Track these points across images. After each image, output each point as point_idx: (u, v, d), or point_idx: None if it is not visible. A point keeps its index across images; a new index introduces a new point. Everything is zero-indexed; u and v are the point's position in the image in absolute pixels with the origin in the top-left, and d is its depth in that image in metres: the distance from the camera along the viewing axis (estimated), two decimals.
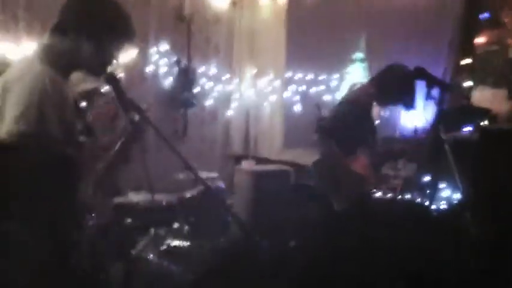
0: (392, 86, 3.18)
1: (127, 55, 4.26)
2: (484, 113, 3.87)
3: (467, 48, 4.37)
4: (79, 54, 1.82)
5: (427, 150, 3.10)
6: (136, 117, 2.00)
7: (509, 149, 3.31)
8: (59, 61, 1.80)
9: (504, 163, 3.23)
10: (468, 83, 4.33)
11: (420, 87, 3.06)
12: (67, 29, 1.80)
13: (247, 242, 2.73)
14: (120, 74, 4.28)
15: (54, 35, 1.83)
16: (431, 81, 2.60)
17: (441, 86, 2.72)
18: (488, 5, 4.36)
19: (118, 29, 1.87)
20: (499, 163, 3.27)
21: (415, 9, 4.49)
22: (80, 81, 2.00)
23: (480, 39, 4.38)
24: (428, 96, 2.71)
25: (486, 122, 3.79)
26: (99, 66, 1.88)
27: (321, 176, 3.47)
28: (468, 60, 4.35)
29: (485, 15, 4.36)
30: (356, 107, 3.31)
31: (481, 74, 4.34)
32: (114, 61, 1.91)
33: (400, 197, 3.62)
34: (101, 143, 2.00)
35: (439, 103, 2.69)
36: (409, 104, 3.19)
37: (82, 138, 1.91)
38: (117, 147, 1.97)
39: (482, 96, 4.24)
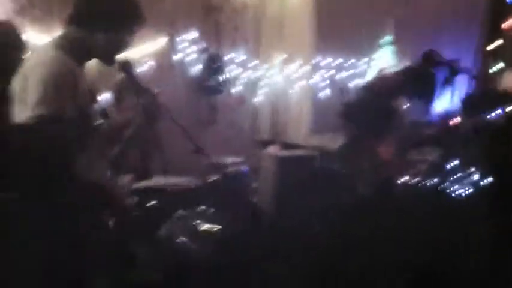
0: (419, 84, 3.16)
1: (156, 43, 4.38)
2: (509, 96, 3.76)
3: (499, 30, 4.24)
4: (91, 43, 1.91)
5: (453, 135, 3.06)
6: (149, 102, 2.07)
7: None
8: (72, 49, 1.88)
9: None
10: (499, 65, 4.21)
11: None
12: (79, 18, 1.89)
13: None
14: (150, 62, 4.42)
15: (68, 24, 1.93)
16: (440, 65, 2.57)
17: (450, 69, 2.68)
18: None
19: (127, 17, 1.94)
20: None
21: None
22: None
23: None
24: (444, 81, 2.68)
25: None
26: (111, 54, 1.97)
27: (346, 160, 3.50)
28: (499, 42, 4.23)
29: None
30: (380, 93, 3.31)
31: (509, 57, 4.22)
32: (126, 47, 1.99)
33: (423, 182, 3.60)
34: (115, 126, 2.08)
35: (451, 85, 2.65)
36: (430, 100, 3.17)
37: (97, 121, 2.01)
38: (130, 131, 2.05)
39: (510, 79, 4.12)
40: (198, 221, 2.96)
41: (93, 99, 2.06)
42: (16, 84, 1.85)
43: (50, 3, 3.62)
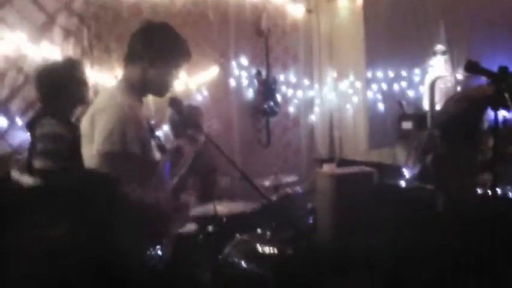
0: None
1: (210, 72, 4.54)
2: None
3: None
4: (146, 80, 2.06)
5: None
6: (199, 136, 2.18)
7: None
8: (132, 88, 2.07)
9: None
10: None
11: None
12: (134, 59, 2.06)
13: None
14: (205, 91, 4.59)
15: (126, 66, 2.10)
16: (483, 75, 2.47)
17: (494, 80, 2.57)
18: None
19: (176, 55, 2.09)
20: None
21: None
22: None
23: None
24: None
25: None
26: (163, 89, 2.12)
27: (437, 174, 3.38)
28: None
29: None
30: (474, 105, 3.22)
31: None
32: (175, 80, 2.13)
33: (491, 192, 3.45)
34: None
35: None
36: None
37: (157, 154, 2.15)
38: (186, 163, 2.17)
39: None
40: (257, 244, 2.98)
41: (152, 133, 2.21)
42: (85, 121, 2.07)
43: (107, 45, 3.87)
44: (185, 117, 2.21)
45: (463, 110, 3.20)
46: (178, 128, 3.15)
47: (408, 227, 3.25)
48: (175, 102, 2.20)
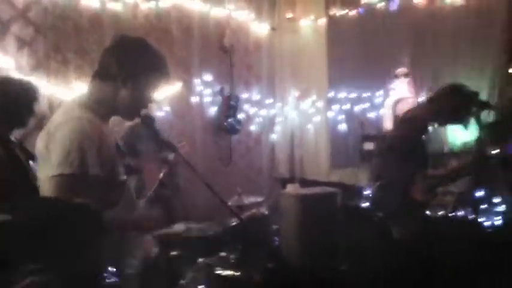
0: (454, 105, 3.10)
1: (172, 88, 4.42)
2: None
3: None
4: (117, 101, 1.89)
5: (475, 164, 2.98)
6: (171, 156, 2.07)
7: None
8: (97, 107, 1.89)
9: None
10: None
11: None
12: (105, 77, 1.89)
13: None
14: (166, 107, 4.46)
15: (93, 82, 1.92)
16: (467, 99, 2.53)
17: (478, 104, 2.64)
18: None
19: (154, 74, 1.94)
20: None
21: (459, 19, 4.38)
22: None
23: None
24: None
25: None
26: (135, 110, 1.96)
27: (383, 200, 3.39)
28: None
29: None
30: (416, 125, 3.24)
31: None
32: (149, 103, 1.97)
33: (453, 213, 3.50)
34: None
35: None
36: (468, 122, 3.09)
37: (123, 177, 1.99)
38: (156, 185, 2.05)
39: None
40: (220, 268, 2.88)
41: (120, 152, 2.04)
42: (40, 140, 1.84)
43: (65, 56, 3.69)
44: (159, 136, 2.06)
45: (407, 131, 3.22)
46: (135, 148, 2.99)
47: (373, 250, 3.24)
48: (148, 120, 2.04)
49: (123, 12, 4.01)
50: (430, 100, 3.28)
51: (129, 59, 1.88)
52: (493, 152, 2.93)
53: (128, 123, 2.67)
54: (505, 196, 3.29)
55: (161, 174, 2.10)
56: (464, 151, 3.52)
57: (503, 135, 3.38)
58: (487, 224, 3.45)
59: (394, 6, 4.83)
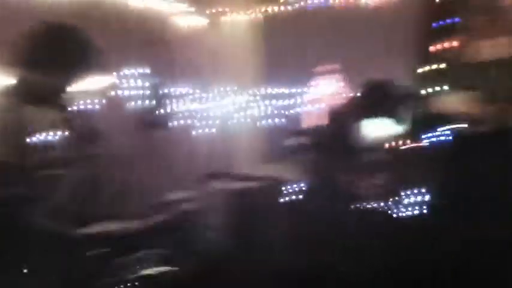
0: (379, 100, 3.22)
1: (103, 80, 4.24)
2: (455, 117, 3.90)
3: (431, 55, 4.43)
4: (38, 86, 1.81)
5: (398, 158, 3.11)
6: (97, 147, 1.99)
7: (481, 152, 3.33)
8: (21, 93, 1.80)
9: (476, 166, 3.25)
10: (438, 88, 4.36)
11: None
12: (30, 64, 1.80)
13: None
14: (96, 100, 4.28)
15: (15, 68, 1.82)
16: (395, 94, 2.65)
17: (403, 98, 2.75)
18: (456, 11, 4.42)
19: (82, 63, 1.86)
20: (471, 166, 3.30)
21: (381, 17, 4.57)
22: None
23: (449, 45, 4.43)
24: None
25: (458, 126, 3.82)
26: (58, 98, 1.88)
27: (318, 192, 3.47)
28: (437, 66, 4.39)
29: (446, 21, 4.42)
30: (344, 119, 3.36)
31: (451, 78, 4.38)
32: (66, 91, 1.90)
33: (375, 205, 3.65)
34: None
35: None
36: (393, 116, 3.23)
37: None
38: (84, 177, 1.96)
39: (453, 100, 4.28)
40: (146, 265, 2.81)
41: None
42: None
43: None
44: (82, 127, 1.97)
45: (337, 126, 3.35)
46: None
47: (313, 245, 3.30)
48: (65, 108, 1.94)
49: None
50: (356, 96, 3.41)
51: (53, 47, 1.80)
52: (409, 145, 3.08)
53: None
54: (421, 187, 3.45)
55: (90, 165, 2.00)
56: (380, 145, 3.66)
57: (418, 130, 3.56)
58: (406, 214, 3.61)
59: (325, 4, 4.96)
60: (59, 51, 1.81)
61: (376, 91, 3.20)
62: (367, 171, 3.53)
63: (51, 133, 3.45)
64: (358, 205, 3.52)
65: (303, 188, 4.49)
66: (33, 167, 1.83)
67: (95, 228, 3.01)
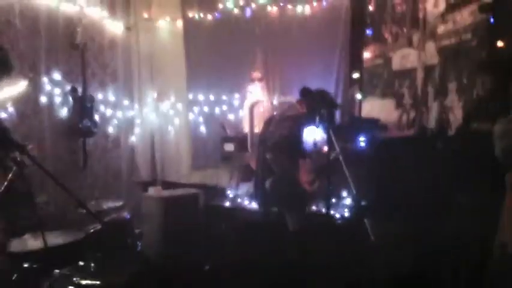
0: (318, 103, 3.38)
1: (17, 87, 4.02)
2: (374, 123, 4.15)
3: (357, 63, 4.66)
4: None
5: (327, 163, 3.26)
6: (20, 157, 1.90)
7: (397, 155, 3.57)
8: None
9: (394, 169, 3.48)
10: (359, 95, 4.62)
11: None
12: None
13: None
14: (10, 108, 4.04)
15: None
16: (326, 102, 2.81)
17: (333, 106, 2.93)
18: (372, 22, 4.70)
19: None
20: (390, 169, 3.52)
21: (307, 27, 4.71)
22: None
23: (367, 54, 4.69)
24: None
25: (377, 132, 4.06)
26: None
27: (277, 195, 3.53)
28: (357, 74, 4.63)
29: (370, 31, 4.68)
30: (296, 123, 3.49)
31: (370, 85, 4.65)
32: None
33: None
34: None
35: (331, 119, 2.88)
36: (328, 118, 3.40)
37: None
38: (3, 188, 1.86)
39: (372, 107, 4.54)
40: (78, 278, 2.71)
41: None
42: None
43: None
44: (7, 137, 1.87)
45: (289, 128, 3.48)
46: None
47: (251, 247, 3.35)
48: None
49: None
50: (299, 101, 3.56)
51: None
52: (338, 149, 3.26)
53: None
54: (350, 190, 3.65)
55: (9, 176, 1.91)
56: (315, 150, 3.81)
57: (347, 135, 3.77)
58: (337, 216, 3.80)
59: (249, 12, 5.02)
60: None
61: (316, 98, 3.36)
62: (308, 174, 3.66)
63: None
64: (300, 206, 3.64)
65: (236, 193, 4.58)
66: None
67: (21, 244, 2.88)
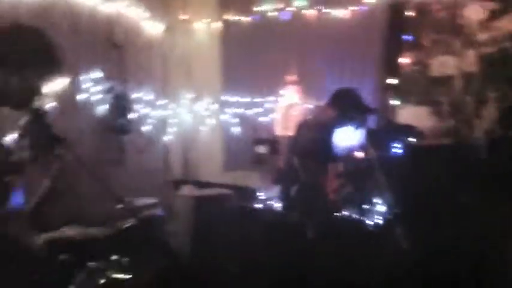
0: (350, 107, 3.36)
1: (58, 84, 4.14)
2: (410, 130, 4.09)
3: (393, 68, 4.61)
4: (3, 86, 1.76)
5: (360, 168, 3.24)
6: (63, 152, 1.95)
7: (435, 164, 3.51)
8: None
9: (430, 178, 3.43)
10: (394, 102, 4.56)
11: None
12: None
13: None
14: (51, 104, 4.16)
15: None
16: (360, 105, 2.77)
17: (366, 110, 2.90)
18: (410, 28, 4.64)
19: (42, 61, 1.83)
20: (426, 178, 3.47)
21: (343, 31, 4.71)
22: None
23: (404, 60, 4.64)
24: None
25: (413, 139, 4.01)
26: (22, 100, 1.83)
27: (299, 202, 3.52)
28: (394, 80, 4.58)
29: (408, 37, 4.62)
30: (326, 127, 3.47)
31: (406, 92, 4.59)
32: (40, 93, 1.87)
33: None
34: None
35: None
36: (361, 123, 3.37)
37: None
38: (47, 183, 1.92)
39: (408, 113, 4.48)
40: (111, 272, 2.78)
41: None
42: None
43: None
44: (50, 132, 1.93)
45: (319, 133, 3.46)
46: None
47: (276, 251, 3.34)
48: (37, 113, 1.90)
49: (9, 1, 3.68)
50: (328, 104, 3.53)
51: (21, 47, 1.77)
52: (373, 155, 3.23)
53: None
54: (383, 197, 3.60)
55: (53, 171, 1.97)
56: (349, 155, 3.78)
57: (382, 141, 3.72)
58: (370, 222, 3.74)
59: (285, 16, 5.05)
60: (21, 52, 1.78)
61: (347, 100, 3.33)
62: (339, 180, 3.62)
63: (13, 136, 3.38)
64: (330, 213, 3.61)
65: (268, 196, 4.58)
66: None
67: (56, 234, 2.96)
